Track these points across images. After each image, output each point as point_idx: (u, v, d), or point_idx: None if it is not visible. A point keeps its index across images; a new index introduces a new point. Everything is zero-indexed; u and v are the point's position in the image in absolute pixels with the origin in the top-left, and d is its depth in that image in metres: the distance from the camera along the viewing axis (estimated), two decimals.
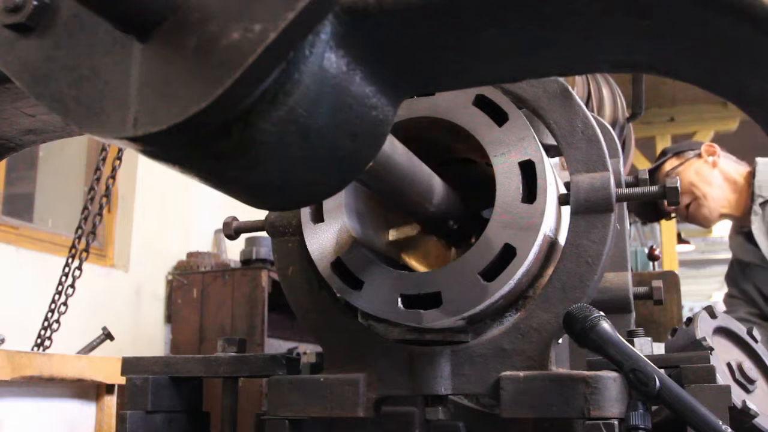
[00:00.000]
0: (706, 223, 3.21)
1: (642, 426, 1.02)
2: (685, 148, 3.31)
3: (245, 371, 1.35)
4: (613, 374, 1.05)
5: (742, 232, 3.20)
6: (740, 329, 1.48)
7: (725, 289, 3.46)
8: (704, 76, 0.67)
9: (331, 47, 0.57)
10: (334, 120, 0.61)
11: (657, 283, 1.77)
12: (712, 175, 3.13)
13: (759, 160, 3.09)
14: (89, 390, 2.45)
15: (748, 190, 3.08)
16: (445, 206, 1.15)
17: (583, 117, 1.21)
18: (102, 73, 0.54)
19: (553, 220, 1.18)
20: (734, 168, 3.17)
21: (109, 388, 2.47)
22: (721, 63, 0.63)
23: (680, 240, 8.14)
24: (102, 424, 2.44)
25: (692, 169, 3.15)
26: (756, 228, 3.00)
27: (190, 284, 4.41)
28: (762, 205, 2.99)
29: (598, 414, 1.03)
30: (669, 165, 3.21)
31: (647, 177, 1.70)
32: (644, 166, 7.79)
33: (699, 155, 3.20)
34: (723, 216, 3.16)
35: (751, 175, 3.07)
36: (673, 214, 3.33)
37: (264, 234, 1.39)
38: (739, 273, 3.24)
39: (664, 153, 3.30)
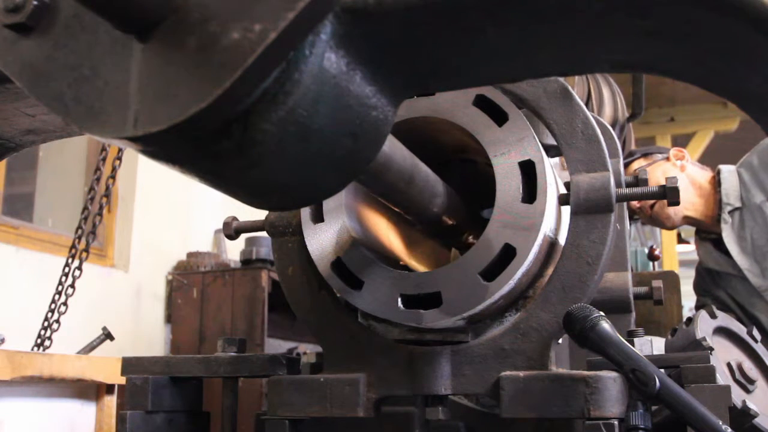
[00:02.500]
0: (668, 223, 3.20)
1: (642, 426, 1.02)
2: (654, 151, 3.33)
3: (245, 371, 1.35)
4: (613, 374, 1.05)
5: (709, 239, 3.20)
6: (740, 329, 1.48)
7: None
8: (704, 76, 0.67)
9: (331, 47, 0.57)
10: (334, 120, 0.61)
11: (657, 283, 1.77)
12: (680, 177, 3.14)
13: (723, 167, 3.10)
14: (89, 390, 2.45)
15: (714, 196, 3.08)
16: (446, 206, 1.15)
17: (583, 117, 1.21)
18: (102, 73, 0.54)
19: (553, 220, 1.18)
20: (700, 173, 3.18)
21: (109, 388, 2.47)
22: (721, 63, 0.63)
23: (680, 240, 8.13)
24: (102, 424, 2.44)
25: (660, 170, 3.16)
26: (727, 236, 3.00)
27: (190, 284, 4.41)
28: (731, 213, 2.99)
29: (598, 414, 1.03)
30: (636, 164, 3.21)
31: (647, 177, 1.70)
32: None
33: (667, 158, 3.21)
34: (686, 218, 3.15)
35: (716, 182, 3.08)
36: (636, 216, 3.31)
37: (264, 234, 1.39)
38: (710, 282, 3.24)
39: (631, 154, 3.31)
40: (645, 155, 3.25)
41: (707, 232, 3.20)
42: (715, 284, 3.19)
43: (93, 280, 3.79)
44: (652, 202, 3.12)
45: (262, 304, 4.13)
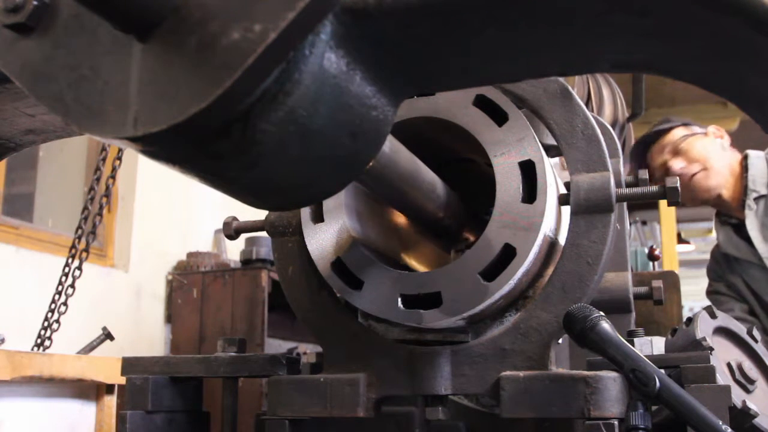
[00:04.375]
0: (705, 196, 3.15)
1: (642, 426, 1.02)
2: (691, 123, 3.29)
3: (245, 371, 1.35)
4: (613, 374, 1.05)
5: (730, 224, 3.17)
6: (740, 329, 1.48)
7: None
8: (704, 76, 0.67)
9: (331, 47, 0.57)
10: (334, 120, 0.61)
11: (657, 283, 1.77)
12: (722, 154, 3.13)
13: (751, 153, 3.07)
14: (89, 390, 2.45)
15: (740, 181, 3.06)
16: (446, 206, 1.15)
17: (583, 117, 1.21)
18: (102, 73, 0.54)
19: (553, 220, 1.18)
20: (732, 155, 3.17)
21: (109, 388, 2.47)
22: (721, 63, 0.63)
23: (680, 240, 8.14)
24: (102, 424, 2.44)
25: (701, 143, 3.13)
26: (750, 223, 2.97)
27: (190, 284, 4.41)
28: (756, 200, 2.97)
29: (598, 414, 1.03)
30: (679, 132, 3.16)
31: (647, 177, 1.70)
32: None
33: (705, 134, 3.19)
34: (719, 197, 3.11)
35: (743, 167, 3.06)
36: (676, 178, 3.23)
37: (264, 234, 1.38)
38: (725, 267, 3.18)
39: (667, 120, 3.26)
40: (685, 125, 3.23)
41: (728, 216, 3.17)
42: (731, 270, 3.15)
43: (93, 280, 3.79)
44: (695, 171, 3.10)
45: (262, 304, 4.14)
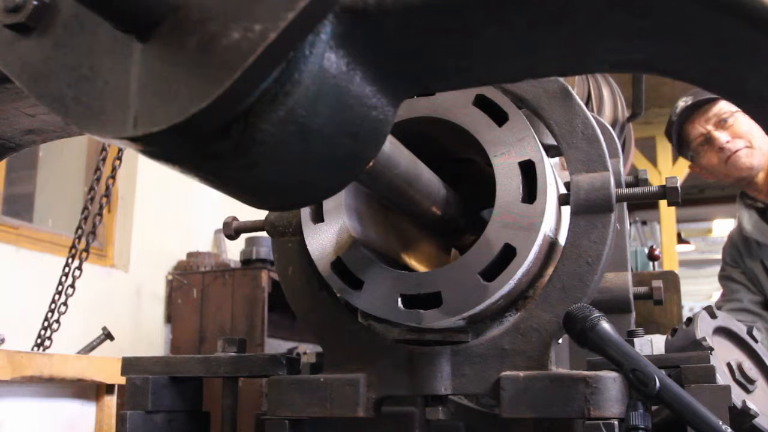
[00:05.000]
0: (744, 174, 3.09)
1: (642, 426, 1.02)
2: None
3: (245, 371, 1.35)
4: (613, 374, 1.05)
5: (755, 207, 3.13)
6: (740, 329, 1.48)
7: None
8: (704, 76, 0.67)
9: (331, 47, 0.57)
10: (334, 120, 0.61)
11: (657, 283, 1.77)
12: (763, 135, 3.11)
13: None
14: (89, 390, 2.45)
15: None
16: (446, 206, 1.15)
17: (583, 117, 1.21)
18: (102, 73, 0.54)
19: (553, 220, 1.18)
20: (766, 138, 3.15)
21: (109, 388, 2.47)
22: (721, 63, 0.63)
23: (680, 240, 8.14)
24: (102, 424, 2.44)
25: (748, 119, 3.10)
26: None
27: (190, 284, 4.41)
28: None
29: (598, 414, 1.03)
30: (725, 106, 3.09)
31: (647, 177, 1.70)
32: (644, 166, 7.79)
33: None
34: (755, 177, 3.08)
35: None
36: (722, 147, 3.11)
37: (264, 234, 1.38)
38: (744, 251, 3.14)
39: (702, 93, 3.21)
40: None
41: (754, 200, 3.15)
42: (751, 255, 3.12)
43: (93, 280, 3.79)
44: (740, 147, 3.05)
45: (262, 304, 4.14)
